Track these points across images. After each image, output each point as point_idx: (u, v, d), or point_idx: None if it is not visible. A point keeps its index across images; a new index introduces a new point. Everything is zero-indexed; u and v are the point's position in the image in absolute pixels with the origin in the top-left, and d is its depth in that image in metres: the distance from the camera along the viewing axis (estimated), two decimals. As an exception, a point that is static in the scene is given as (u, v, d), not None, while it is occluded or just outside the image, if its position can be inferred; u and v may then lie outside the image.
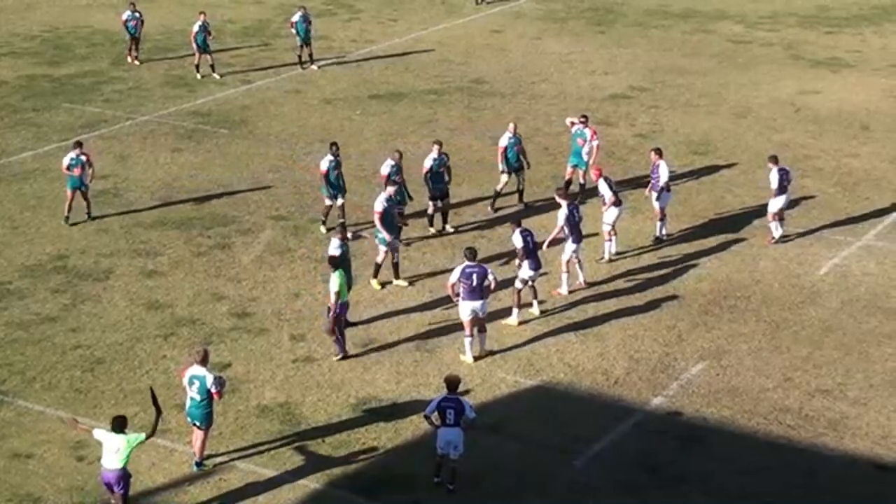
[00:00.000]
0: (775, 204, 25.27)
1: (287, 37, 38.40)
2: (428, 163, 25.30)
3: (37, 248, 24.98)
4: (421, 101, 34.46)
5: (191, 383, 17.41)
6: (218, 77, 36.02)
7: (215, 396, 17.41)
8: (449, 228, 25.71)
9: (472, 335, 20.67)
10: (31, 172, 28.87)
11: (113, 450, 15.92)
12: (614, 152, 30.23)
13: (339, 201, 25.43)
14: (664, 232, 25.52)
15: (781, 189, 25.15)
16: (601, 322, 22.16)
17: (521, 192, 26.86)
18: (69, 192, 25.90)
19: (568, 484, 17.71)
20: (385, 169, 24.75)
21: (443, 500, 17.28)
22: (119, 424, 16.02)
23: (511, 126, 26.56)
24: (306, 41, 36.79)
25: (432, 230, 25.61)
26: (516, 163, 26.46)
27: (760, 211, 26.05)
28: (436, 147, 25.49)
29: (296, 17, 36.79)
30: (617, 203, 24.35)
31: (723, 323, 22.24)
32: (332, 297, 20.28)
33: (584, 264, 23.41)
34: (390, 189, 23.50)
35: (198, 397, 17.37)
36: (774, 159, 25.37)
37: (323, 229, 25.37)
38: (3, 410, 19.21)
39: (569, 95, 34.94)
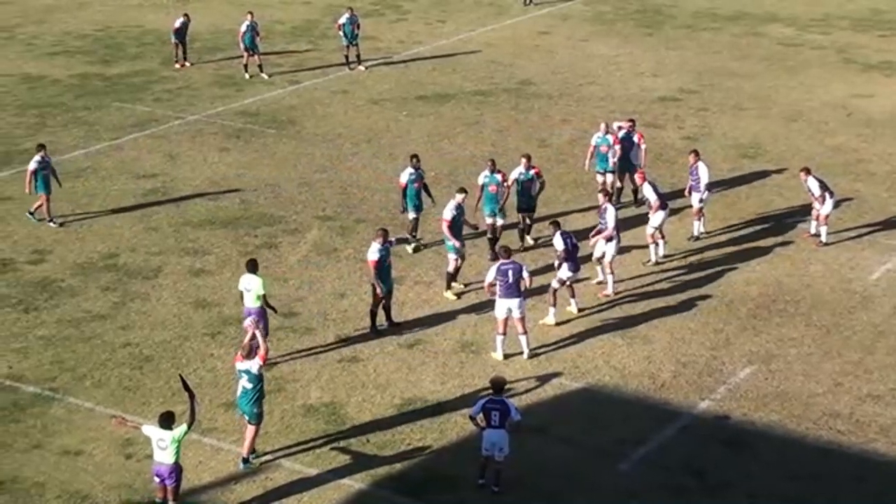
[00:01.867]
0: (826, 208, 25.08)
1: (334, 37, 38.54)
2: (514, 176, 24.90)
3: (88, 247, 25.22)
4: (468, 102, 34.44)
5: (240, 377, 17.66)
6: (266, 77, 36.22)
7: (262, 357, 17.47)
8: (529, 241, 25.20)
9: (504, 333, 20.65)
10: (83, 171, 29.17)
11: (162, 445, 16.16)
12: (662, 154, 30.05)
13: (412, 215, 24.89)
14: (701, 230, 25.44)
15: (830, 193, 24.98)
16: (648, 325, 22.03)
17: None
18: (44, 196, 25.78)
19: (613, 487, 17.62)
20: (482, 179, 24.42)
21: (487, 502, 17.24)
22: (166, 420, 16.24)
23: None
24: (352, 42, 36.91)
25: (521, 243, 25.12)
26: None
27: (811, 215, 25.75)
28: (523, 161, 24.99)
29: (343, 20, 36.91)
30: (663, 207, 24.24)
31: (772, 327, 22.03)
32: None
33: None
34: (459, 197, 23.04)
35: (249, 385, 17.58)
36: (807, 170, 25.25)
37: (409, 248, 24.66)
38: (54, 407, 19.41)
39: (616, 98, 34.78)
